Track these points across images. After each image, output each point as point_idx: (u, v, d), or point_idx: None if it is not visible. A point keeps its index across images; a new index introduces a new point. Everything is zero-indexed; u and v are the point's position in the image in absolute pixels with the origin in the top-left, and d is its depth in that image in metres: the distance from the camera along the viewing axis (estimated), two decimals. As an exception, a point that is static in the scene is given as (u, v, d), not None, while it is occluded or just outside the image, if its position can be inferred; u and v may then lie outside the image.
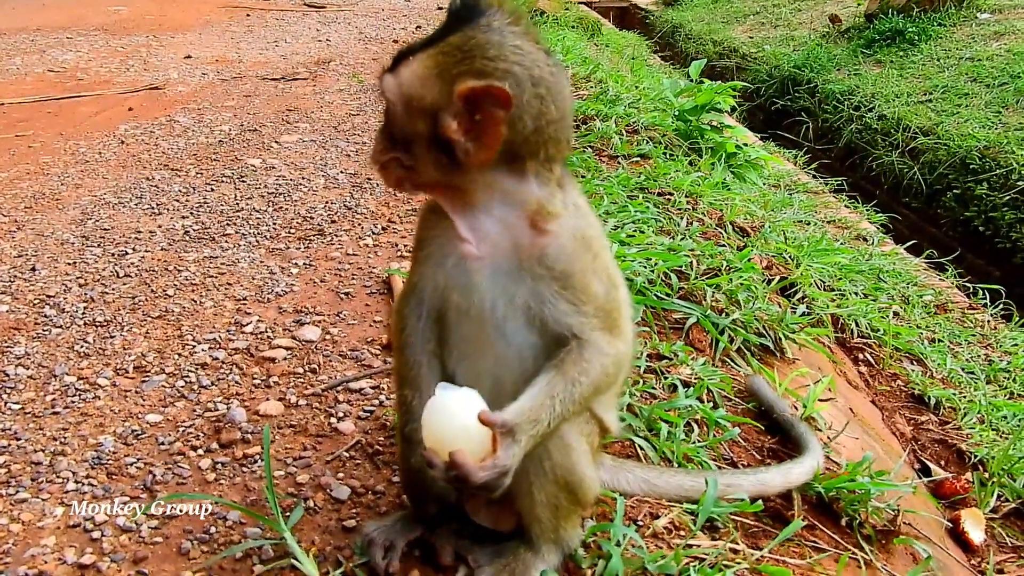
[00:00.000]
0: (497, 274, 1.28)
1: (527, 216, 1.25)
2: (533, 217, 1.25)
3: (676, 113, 4.94)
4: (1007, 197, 6.09)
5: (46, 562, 1.54)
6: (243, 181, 3.79)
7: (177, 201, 3.55)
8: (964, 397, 3.04)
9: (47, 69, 6.31)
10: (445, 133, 1.19)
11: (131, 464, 1.83)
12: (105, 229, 3.25)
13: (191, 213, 3.41)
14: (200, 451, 1.89)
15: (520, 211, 1.26)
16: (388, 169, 1.29)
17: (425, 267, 1.38)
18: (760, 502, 1.67)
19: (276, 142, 4.41)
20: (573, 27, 9.52)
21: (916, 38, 8.99)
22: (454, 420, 1.20)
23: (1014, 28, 8.58)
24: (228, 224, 3.29)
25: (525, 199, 1.25)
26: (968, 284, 4.55)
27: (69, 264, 2.93)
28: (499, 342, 1.32)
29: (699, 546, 1.54)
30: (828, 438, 2.13)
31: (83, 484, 1.76)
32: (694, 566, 1.47)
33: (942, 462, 2.66)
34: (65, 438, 1.93)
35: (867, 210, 5.66)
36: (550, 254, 1.26)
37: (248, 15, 9.31)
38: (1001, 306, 4.25)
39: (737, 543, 1.59)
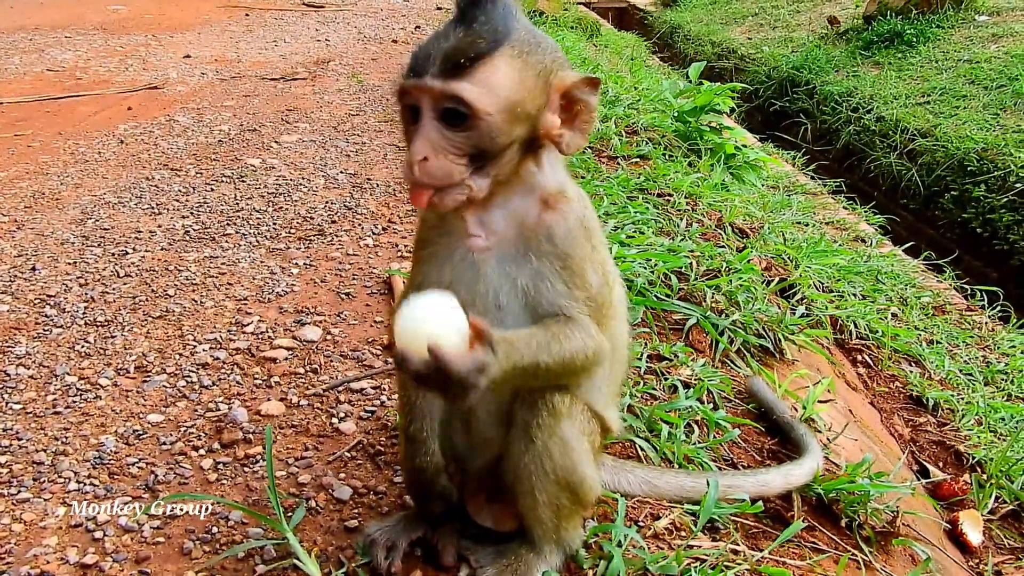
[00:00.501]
0: (503, 260, 1.30)
1: (540, 199, 1.28)
2: (547, 198, 1.28)
3: (675, 114, 4.96)
4: (1005, 199, 6.11)
5: (48, 562, 1.54)
6: (243, 181, 3.79)
7: (177, 201, 3.55)
8: (962, 399, 3.06)
9: (46, 68, 6.30)
10: (548, 131, 1.19)
11: (133, 464, 1.84)
12: (105, 229, 3.25)
13: (191, 213, 3.41)
14: (202, 451, 1.89)
15: (536, 197, 1.28)
16: (450, 190, 1.17)
17: (429, 266, 1.38)
18: (760, 503, 1.68)
19: (276, 142, 4.41)
20: (572, 28, 9.54)
21: (914, 40, 9.01)
22: (429, 319, 1.14)
23: (1012, 30, 8.60)
24: (228, 224, 3.29)
25: (545, 186, 1.28)
26: (966, 286, 4.57)
27: (69, 264, 2.93)
28: None
29: (700, 547, 1.55)
30: (828, 439, 2.14)
31: (85, 484, 1.77)
32: (695, 567, 1.47)
33: (940, 464, 2.67)
34: (67, 438, 1.93)
35: (865, 211, 5.68)
36: (557, 233, 1.28)
37: (247, 15, 9.30)
38: (999, 308, 4.26)
39: (738, 544, 1.59)
